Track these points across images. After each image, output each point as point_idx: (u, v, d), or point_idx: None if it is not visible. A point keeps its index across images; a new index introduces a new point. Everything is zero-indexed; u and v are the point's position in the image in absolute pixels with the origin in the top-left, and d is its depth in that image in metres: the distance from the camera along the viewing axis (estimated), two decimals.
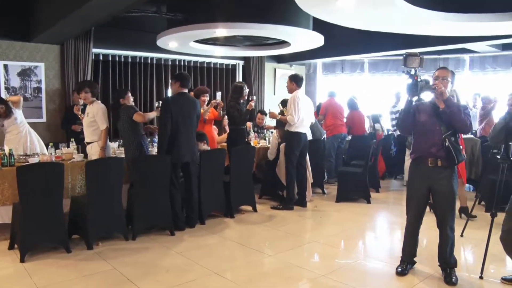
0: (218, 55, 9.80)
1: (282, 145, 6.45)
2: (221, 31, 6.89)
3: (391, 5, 5.13)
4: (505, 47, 9.82)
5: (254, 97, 6.71)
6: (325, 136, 8.06)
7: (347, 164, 8.14)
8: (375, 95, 11.50)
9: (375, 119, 8.88)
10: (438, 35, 7.76)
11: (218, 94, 6.41)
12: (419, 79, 3.58)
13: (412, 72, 3.57)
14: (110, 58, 8.71)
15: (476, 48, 9.71)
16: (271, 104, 10.61)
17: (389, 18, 5.85)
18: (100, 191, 4.60)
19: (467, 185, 7.70)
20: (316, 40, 7.71)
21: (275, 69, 11.81)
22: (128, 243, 4.76)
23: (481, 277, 3.83)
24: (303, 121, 6.22)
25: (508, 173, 3.59)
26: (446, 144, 3.57)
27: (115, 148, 6.19)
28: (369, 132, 8.84)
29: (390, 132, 9.22)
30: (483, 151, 6.93)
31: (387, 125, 9.45)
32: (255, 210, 6.12)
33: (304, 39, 7.57)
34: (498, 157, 3.62)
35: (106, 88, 8.66)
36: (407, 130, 3.95)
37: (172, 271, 4.00)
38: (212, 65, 10.48)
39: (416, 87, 3.54)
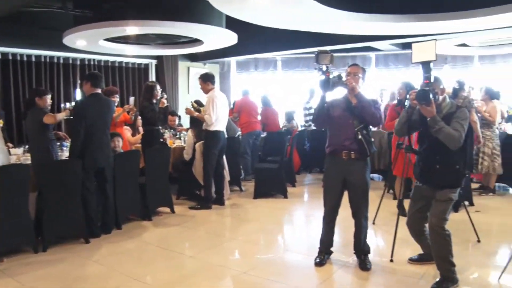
0: (130, 54, 9.48)
1: (198, 144, 6.40)
2: (132, 29, 6.67)
3: (302, 4, 5.26)
4: (405, 46, 10.52)
5: (165, 95, 6.53)
6: (240, 133, 8.12)
7: (263, 161, 8.26)
8: (288, 92, 11.80)
9: (290, 116, 9.10)
10: (347, 34, 8.13)
11: (131, 99, 6.21)
12: (330, 76, 3.72)
13: (324, 68, 3.70)
14: (11, 57, 8.08)
15: (380, 47, 10.29)
16: (185, 103, 10.47)
17: (300, 17, 6.01)
18: (2, 201, 4.22)
19: (376, 175, 8.19)
20: (229, 38, 7.73)
21: (188, 68, 11.69)
22: (39, 255, 4.42)
23: (391, 260, 4.09)
24: (220, 120, 6.21)
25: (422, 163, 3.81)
26: (359, 137, 3.74)
27: (20, 154, 5.76)
28: (284, 128, 9.03)
29: (303, 128, 9.50)
30: (389, 143, 7.36)
31: (300, 121, 9.73)
32: (173, 211, 6.01)
33: (217, 37, 7.55)
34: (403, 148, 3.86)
35: (6, 90, 8.01)
36: (322, 124, 4.09)
37: (90, 281, 3.80)
38: (123, 65, 10.14)
39: (328, 83, 3.67)
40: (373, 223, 5.25)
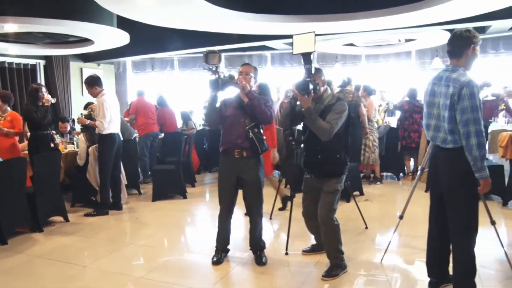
0: (12, 53, 8.79)
1: (91, 149, 6.11)
2: (11, 26, 6.18)
3: (190, 3, 5.24)
4: None
5: (49, 96, 6.11)
6: (136, 135, 7.89)
7: (162, 162, 8.11)
8: (186, 91, 11.72)
9: (186, 116, 9.03)
10: (241, 33, 8.25)
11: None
12: (220, 75, 3.74)
13: (214, 68, 3.71)
14: None
15: (275, 46, 10.58)
16: (79, 106, 9.94)
17: (190, 16, 5.98)
18: None
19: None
20: (121, 38, 7.48)
21: (81, 69, 11.13)
22: None
23: (286, 253, 4.23)
24: (113, 122, 5.96)
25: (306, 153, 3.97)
26: (250, 135, 3.81)
27: None
28: (181, 128, 8.94)
29: (203, 127, 9.48)
30: (285, 139, 7.60)
31: (200, 120, 9.70)
32: (66, 220, 5.67)
33: (107, 36, 7.27)
34: (293, 143, 3.99)
35: None
36: (214, 124, 4.11)
37: None
38: (6, 65, 9.35)
39: (217, 83, 3.70)
40: (270, 218, 5.39)
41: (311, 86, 3.36)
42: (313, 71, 3.46)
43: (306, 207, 3.86)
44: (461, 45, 3.03)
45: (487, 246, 4.23)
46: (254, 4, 6.79)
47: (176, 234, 5.29)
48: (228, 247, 4.19)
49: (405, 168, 7.80)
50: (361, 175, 7.66)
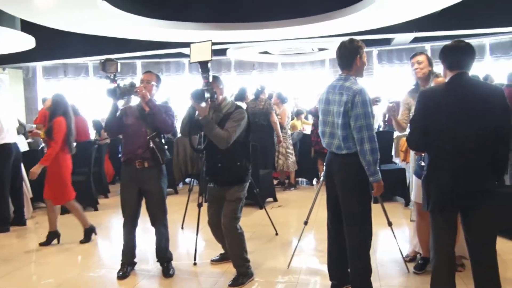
0: None
1: None
2: None
3: (95, 8, 5.07)
4: (215, 53, 10.95)
5: None
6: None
7: (72, 173, 7.72)
8: (101, 99, 11.30)
9: (99, 125, 8.70)
10: (154, 40, 8.13)
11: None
12: (120, 84, 3.64)
13: (112, 76, 3.60)
14: None
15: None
16: None
17: (96, 21, 5.79)
18: None
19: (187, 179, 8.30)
20: (26, 41, 7.08)
21: None
22: None
23: (195, 263, 4.18)
24: (8, 131, 5.59)
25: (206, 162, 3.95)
26: (151, 145, 3.73)
27: None
28: (94, 138, 8.61)
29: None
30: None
31: None
32: None
33: (9, 39, 6.84)
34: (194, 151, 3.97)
35: None
36: (114, 133, 4.00)
37: None
38: None
39: (115, 92, 3.59)
40: (182, 228, 5.32)
41: (207, 95, 3.35)
42: (210, 80, 3.45)
43: (211, 216, 3.83)
44: (348, 56, 3.16)
45: (385, 246, 4.46)
46: (166, 11, 6.72)
47: (83, 249, 5.04)
48: (135, 260, 4.06)
49: (319, 173, 8.03)
50: (276, 181, 7.82)
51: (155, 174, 3.82)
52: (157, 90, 3.93)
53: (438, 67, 2.96)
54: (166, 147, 3.87)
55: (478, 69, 9.04)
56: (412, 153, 4.03)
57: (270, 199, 6.62)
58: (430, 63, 3.80)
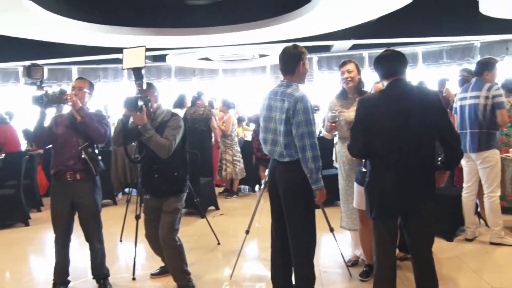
0: None
1: None
2: None
3: (24, 10, 4.77)
4: (156, 58, 10.73)
5: None
6: None
7: (1, 186, 7.24)
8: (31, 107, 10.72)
9: (31, 135, 8.20)
10: (90, 45, 7.81)
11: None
12: (48, 91, 3.42)
13: (38, 83, 3.37)
14: None
15: None
16: None
17: (23, 24, 5.45)
18: None
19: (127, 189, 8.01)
20: None
21: None
22: None
23: (133, 278, 4.00)
24: None
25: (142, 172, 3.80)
26: (83, 156, 3.52)
27: None
28: (26, 148, 8.10)
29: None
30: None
31: None
32: None
33: None
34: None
35: None
36: (42, 144, 3.77)
37: None
38: None
39: (41, 100, 3.36)
40: (120, 241, 5.09)
41: (140, 103, 3.21)
42: (144, 87, 3.31)
43: (148, 229, 3.67)
44: (291, 62, 3.13)
45: (327, 252, 4.49)
46: (101, 14, 6.47)
47: (11, 268, 4.69)
48: (69, 278, 3.80)
49: (261, 180, 7.99)
50: (222, 188, 7.71)
51: (88, 187, 3.60)
52: (90, 98, 3.72)
53: (375, 73, 3.00)
54: (100, 157, 3.67)
55: (411, 76, 9.44)
56: (340, 157, 4.05)
57: (212, 207, 6.50)
58: (359, 71, 3.86)
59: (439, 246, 4.32)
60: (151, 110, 3.41)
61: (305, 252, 3.17)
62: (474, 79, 4.56)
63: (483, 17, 6.89)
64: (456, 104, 4.68)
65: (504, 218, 4.59)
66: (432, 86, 6.85)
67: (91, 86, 3.74)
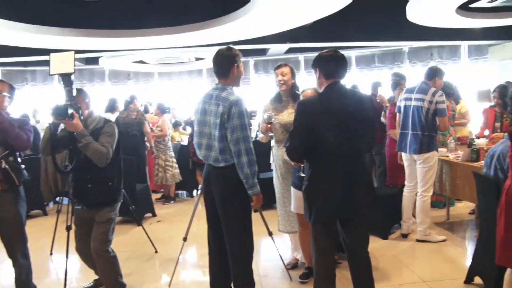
0: None
1: None
2: None
3: None
4: (88, 61, 10.31)
5: None
6: None
7: None
8: None
9: None
10: (14, 46, 7.37)
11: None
12: None
13: None
14: None
15: None
16: None
17: None
18: None
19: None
20: None
21: None
22: None
23: None
24: None
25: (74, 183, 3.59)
26: (3, 165, 3.26)
27: None
28: None
29: None
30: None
31: None
32: None
33: None
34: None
35: None
36: None
37: None
38: None
39: None
40: (51, 254, 4.80)
41: (70, 110, 3.04)
42: (74, 93, 3.14)
43: (79, 242, 3.48)
44: (225, 64, 3.08)
45: (266, 255, 4.47)
46: (25, 12, 6.11)
47: None
48: None
49: (199, 184, 7.87)
50: (160, 194, 7.51)
51: (10, 198, 3.34)
52: (10, 102, 3.47)
53: (311, 76, 3.02)
54: (23, 166, 3.42)
55: (346, 79, 9.70)
56: (275, 160, 4.05)
57: (149, 214, 6.31)
58: (293, 75, 3.88)
59: (375, 245, 4.45)
60: (82, 118, 3.23)
61: (243, 257, 3.12)
62: (421, 82, 4.66)
63: (410, 25, 7.21)
64: (401, 103, 4.76)
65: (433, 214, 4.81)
66: (366, 88, 7.07)
67: (11, 89, 3.49)
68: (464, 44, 10.18)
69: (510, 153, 2.71)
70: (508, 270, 2.79)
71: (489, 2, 6.31)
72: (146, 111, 8.07)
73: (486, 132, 5.46)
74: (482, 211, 3.60)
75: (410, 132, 4.59)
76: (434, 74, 4.67)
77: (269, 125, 3.79)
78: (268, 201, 4.64)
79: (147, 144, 6.89)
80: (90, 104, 3.38)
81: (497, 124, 5.39)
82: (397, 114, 4.88)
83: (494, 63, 9.85)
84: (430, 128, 4.52)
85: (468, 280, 3.60)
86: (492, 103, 5.60)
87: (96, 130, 3.29)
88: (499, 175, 3.16)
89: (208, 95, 3.13)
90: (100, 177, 3.29)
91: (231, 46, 3.16)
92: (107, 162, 3.20)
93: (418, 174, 4.61)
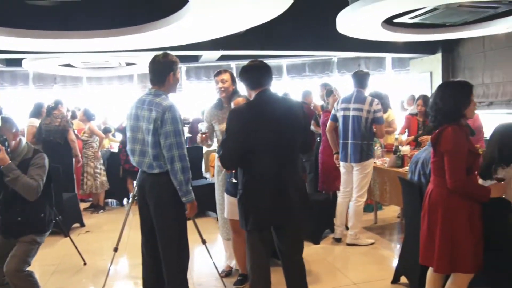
0: None
1: None
2: None
3: None
4: (9, 62, 9.74)
5: None
6: None
7: None
8: None
9: None
10: None
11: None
12: None
13: None
14: None
15: None
16: None
17: None
18: None
19: None
20: None
21: None
22: None
23: None
24: None
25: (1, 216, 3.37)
26: None
27: None
28: None
29: None
30: None
31: None
32: None
33: None
34: None
35: None
36: None
37: None
38: None
39: None
40: None
41: None
42: None
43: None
44: (162, 71, 3.03)
45: (200, 264, 4.43)
46: None
47: None
48: None
49: (129, 193, 7.64)
50: (89, 203, 7.20)
51: None
52: None
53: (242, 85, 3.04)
54: None
55: (277, 87, 9.90)
56: (216, 167, 4.05)
57: (77, 224, 6.02)
58: (233, 81, 3.89)
59: (308, 250, 4.51)
60: (9, 150, 3.04)
61: (178, 266, 3.08)
62: (355, 90, 4.74)
63: (339, 36, 7.48)
64: (339, 114, 4.82)
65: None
66: (297, 96, 7.24)
67: None
68: (388, 56, 10.77)
69: (432, 159, 2.88)
70: (430, 269, 2.94)
71: (410, 18, 6.69)
72: (74, 116, 7.71)
73: (404, 137, 5.77)
74: (407, 214, 3.80)
75: (350, 142, 4.70)
76: (366, 81, 4.77)
77: (203, 136, 3.76)
78: (202, 209, 4.59)
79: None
80: (18, 134, 3.19)
81: (420, 132, 5.71)
82: (330, 122, 4.97)
83: (415, 75, 10.49)
84: (369, 136, 4.69)
85: (395, 280, 3.78)
86: (413, 111, 5.92)
87: (25, 161, 3.12)
88: (422, 180, 3.35)
89: (140, 100, 3.06)
90: (32, 209, 3.14)
91: (168, 52, 3.10)
92: (37, 196, 3.05)
93: (355, 180, 4.75)
